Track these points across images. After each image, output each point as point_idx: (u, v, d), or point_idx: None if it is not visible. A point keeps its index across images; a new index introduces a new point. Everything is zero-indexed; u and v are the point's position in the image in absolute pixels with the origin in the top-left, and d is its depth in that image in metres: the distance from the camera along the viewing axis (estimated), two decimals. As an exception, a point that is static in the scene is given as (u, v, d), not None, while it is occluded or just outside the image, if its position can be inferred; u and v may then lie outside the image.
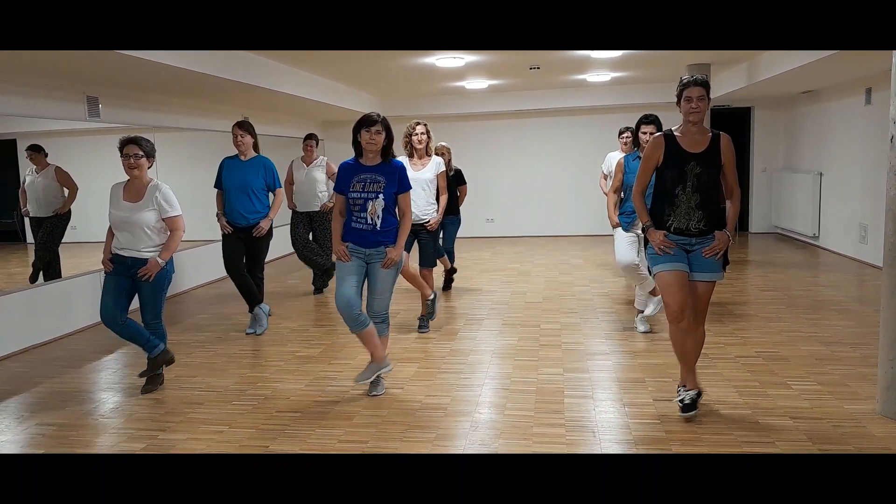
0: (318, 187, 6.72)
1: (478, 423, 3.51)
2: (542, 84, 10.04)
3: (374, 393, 3.94)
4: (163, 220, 4.01)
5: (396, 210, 3.92)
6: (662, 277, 3.43)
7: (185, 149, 7.73)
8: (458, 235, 7.13)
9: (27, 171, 5.64)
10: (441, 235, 6.92)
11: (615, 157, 6.13)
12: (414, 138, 5.16)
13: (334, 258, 3.89)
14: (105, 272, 4.05)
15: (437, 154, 6.61)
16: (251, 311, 5.48)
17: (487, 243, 10.66)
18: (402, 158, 5.07)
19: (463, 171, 7.07)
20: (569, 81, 9.83)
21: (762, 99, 10.38)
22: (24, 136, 5.64)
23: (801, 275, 7.34)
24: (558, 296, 6.57)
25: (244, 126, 5.34)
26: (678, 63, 8.04)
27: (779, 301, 6.07)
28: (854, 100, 8.15)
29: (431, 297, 5.40)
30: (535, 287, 7.05)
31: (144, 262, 3.96)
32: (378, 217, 3.77)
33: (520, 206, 11.44)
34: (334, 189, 3.92)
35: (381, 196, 3.76)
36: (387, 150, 3.81)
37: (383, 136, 3.75)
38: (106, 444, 3.43)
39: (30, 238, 5.75)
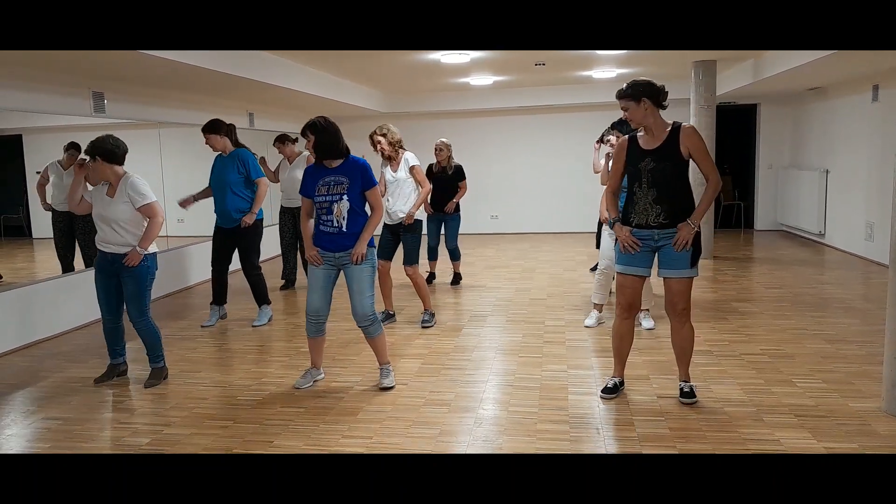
0: None
1: (482, 420, 3.51)
2: (547, 80, 10.02)
3: (385, 385, 3.96)
4: (137, 210, 3.97)
5: (366, 208, 3.86)
6: (622, 279, 3.62)
7: (189, 144, 7.73)
8: (461, 232, 7.12)
9: (52, 167, 5.67)
10: (443, 233, 6.93)
11: None
12: (375, 138, 5.11)
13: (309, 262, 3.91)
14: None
15: (436, 151, 6.77)
16: (214, 304, 5.66)
17: (492, 240, 10.65)
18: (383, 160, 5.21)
19: (465, 168, 7.07)
20: (574, 78, 9.81)
21: (768, 96, 10.34)
22: (30, 131, 5.66)
23: (807, 272, 7.31)
24: (563, 292, 6.56)
25: (210, 128, 5.33)
26: (684, 60, 8.01)
27: (784, 298, 6.05)
28: (861, 97, 8.11)
29: (427, 315, 5.47)
30: (540, 284, 7.05)
31: (124, 256, 3.99)
32: (344, 218, 3.74)
33: (524, 202, 11.42)
34: (300, 192, 3.90)
35: (345, 197, 3.73)
36: (333, 149, 3.73)
37: (313, 139, 3.70)
38: (111, 438, 3.44)
39: (37, 234, 5.77)
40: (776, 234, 10.53)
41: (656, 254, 3.54)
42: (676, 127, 3.44)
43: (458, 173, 6.91)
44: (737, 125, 10.98)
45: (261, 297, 5.60)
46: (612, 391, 3.74)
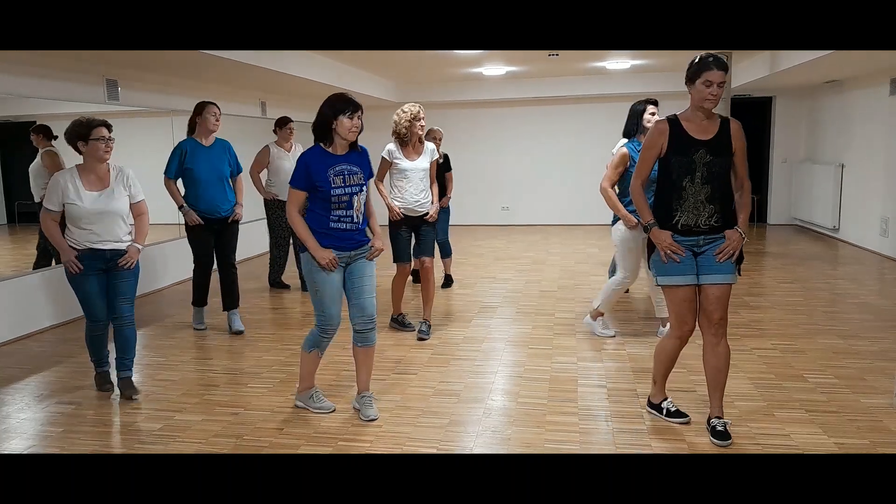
0: None
1: (490, 410, 3.51)
2: (560, 71, 9.96)
3: (371, 416, 3.44)
4: (134, 204, 3.77)
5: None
6: (674, 293, 3.10)
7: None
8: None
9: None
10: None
11: None
12: (417, 123, 4.61)
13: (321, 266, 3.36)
14: (74, 273, 3.65)
15: (435, 140, 6.14)
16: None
17: (502, 231, 10.63)
18: (393, 146, 4.70)
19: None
20: (588, 69, 9.76)
21: (784, 89, 10.23)
22: (44, 118, 5.68)
23: (820, 267, 7.26)
24: (573, 285, 6.55)
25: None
26: (699, 51, 7.92)
27: (797, 293, 6.01)
28: (878, 90, 8.01)
29: (426, 326, 4.93)
30: (550, 276, 7.03)
31: (123, 252, 3.73)
32: (361, 213, 3.38)
33: (536, 194, 11.39)
34: (297, 185, 3.30)
35: (364, 188, 3.38)
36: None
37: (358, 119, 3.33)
38: (123, 423, 3.47)
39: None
40: (790, 228, 10.45)
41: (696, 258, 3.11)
42: (725, 120, 3.08)
43: (446, 163, 6.36)
44: (752, 118, 10.88)
45: (237, 298, 5.20)
46: (683, 414, 3.32)
